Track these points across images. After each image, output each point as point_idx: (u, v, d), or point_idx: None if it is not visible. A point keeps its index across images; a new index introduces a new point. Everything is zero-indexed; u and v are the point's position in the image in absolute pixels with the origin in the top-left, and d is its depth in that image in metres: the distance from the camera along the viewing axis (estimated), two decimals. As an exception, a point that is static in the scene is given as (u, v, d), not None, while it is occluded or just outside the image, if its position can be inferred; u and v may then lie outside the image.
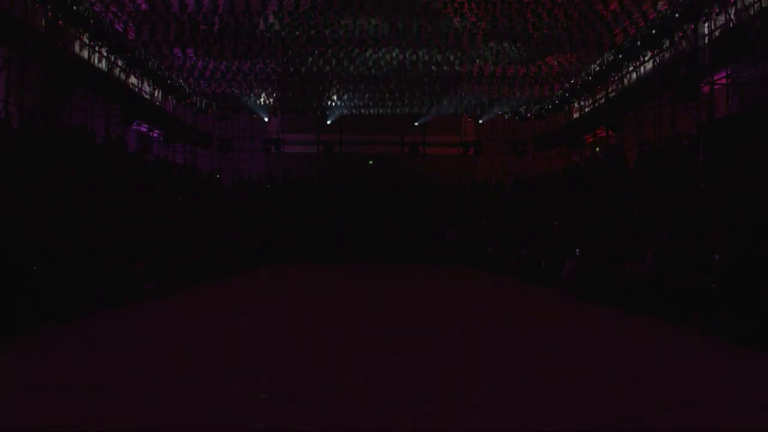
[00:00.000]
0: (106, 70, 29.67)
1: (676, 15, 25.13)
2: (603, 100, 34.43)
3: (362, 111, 44.00)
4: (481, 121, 46.33)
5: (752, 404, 7.24)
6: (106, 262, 15.67)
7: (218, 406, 6.95)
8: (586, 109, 38.06)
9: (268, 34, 33.16)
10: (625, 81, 31.45)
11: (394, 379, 8.19)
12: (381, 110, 43.72)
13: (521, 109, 42.89)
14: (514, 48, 34.36)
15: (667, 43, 26.75)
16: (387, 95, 40.89)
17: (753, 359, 9.90)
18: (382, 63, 36.08)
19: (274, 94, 41.84)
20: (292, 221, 38.99)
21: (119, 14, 30.40)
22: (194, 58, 35.76)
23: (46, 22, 24.33)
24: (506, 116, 44.96)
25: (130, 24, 32.02)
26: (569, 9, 30.85)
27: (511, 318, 15.09)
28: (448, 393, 7.68)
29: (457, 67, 37.00)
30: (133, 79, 33.30)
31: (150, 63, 32.87)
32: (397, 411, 6.85)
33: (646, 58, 28.99)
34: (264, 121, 45.34)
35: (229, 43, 33.58)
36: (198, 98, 40.57)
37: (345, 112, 44.24)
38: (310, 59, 35.96)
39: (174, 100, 38.97)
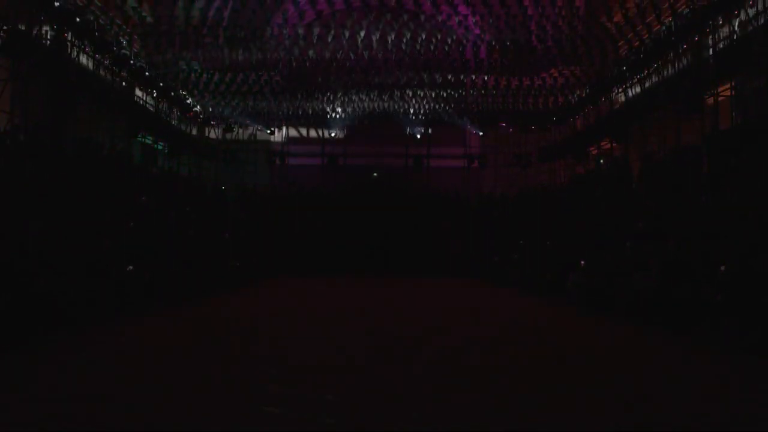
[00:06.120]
0: (111, 82, 29.79)
1: (680, 29, 25.22)
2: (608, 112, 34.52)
3: (366, 122, 44.11)
4: (481, 134, 46.25)
5: (755, 414, 7.21)
6: (111, 272, 15.73)
7: (225, 415, 6.93)
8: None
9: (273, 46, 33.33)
10: (630, 93, 31.50)
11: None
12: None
13: (525, 121, 43.01)
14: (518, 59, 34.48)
15: (671, 56, 26.79)
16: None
17: (757, 369, 9.86)
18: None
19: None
20: (297, 233, 38.99)
21: (124, 27, 30.54)
22: (199, 70, 35.90)
23: (52, 35, 24.43)
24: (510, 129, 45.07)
25: (135, 36, 32.15)
26: (573, 21, 30.93)
27: (514, 328, 15.05)
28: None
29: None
30: (138, 92, 33.45)
31: (155, 75, 33.06)
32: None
33: (651, 70, 29.04)
34: (268, 133, 45.42)
35: (235, 55, 33.74)
36: (203, 110, 40.79)
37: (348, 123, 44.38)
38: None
39: (179, 112, 39.16)
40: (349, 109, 42.03)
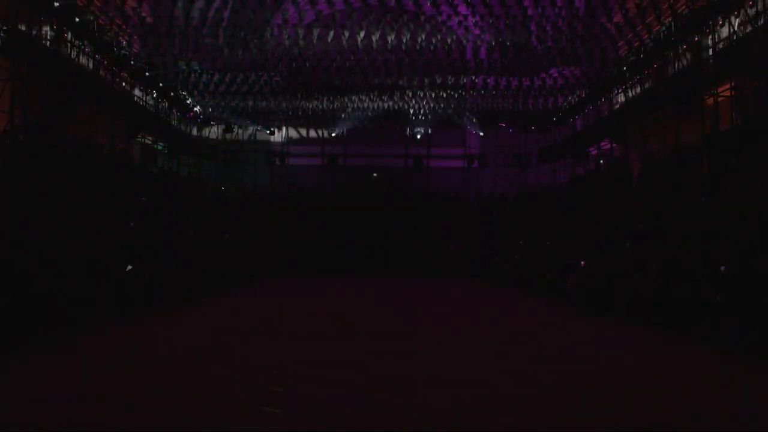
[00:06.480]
0: (111, 82, 29.77)
1: (680, 29, 25.21)
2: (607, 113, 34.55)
3: (366, 122, 44.09)
4: (481, 134, 46.25)
5: (755, 414, 7.21)
6: (111, 272, 15.72)
7: (225, 415, 6.94)
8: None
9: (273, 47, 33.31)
10: (630, 93, 31.49)
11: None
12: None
13: (525, 121, 43.02)
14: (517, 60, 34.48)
15: (671, 56, 26.79)
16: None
17: (757, 369, 9.86)
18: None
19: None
20: (297, 234, 38.98)
21: (124, 27, 30.52)
22: (199, 70, 35.88)
23: (52, 35, 24.42)
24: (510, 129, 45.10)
25: (135, 37, 32.13)
26: (573, 22, 30.91)
27: (514, 328, 15.05)
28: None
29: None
30: (138, 92, 33.44)
31: (155, 75, 33.05)
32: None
33: (651, 71, 29.04)
34: (268, 133, 45.41)
35: (235, 55, 33.71)
36: (203, 110, 40.78)
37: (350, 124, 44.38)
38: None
39: (179, 113, 39.15)
40: (349, 109, 42.03)
